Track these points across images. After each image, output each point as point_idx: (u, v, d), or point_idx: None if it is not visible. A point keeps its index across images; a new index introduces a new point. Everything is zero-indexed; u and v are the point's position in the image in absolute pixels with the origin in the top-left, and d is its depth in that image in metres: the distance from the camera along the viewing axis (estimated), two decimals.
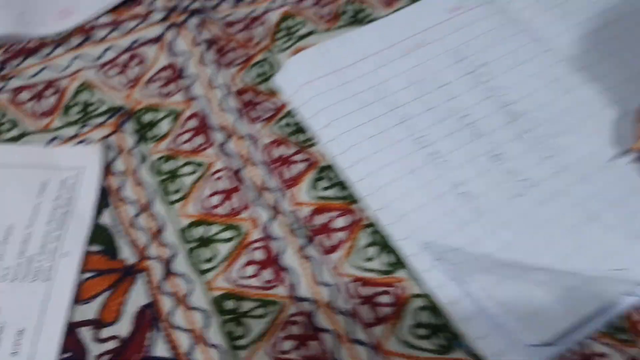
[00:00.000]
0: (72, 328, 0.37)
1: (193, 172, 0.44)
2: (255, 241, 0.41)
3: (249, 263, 0.40)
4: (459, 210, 0.43)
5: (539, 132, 0.47)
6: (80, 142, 0.45)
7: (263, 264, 0.40)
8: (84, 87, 0.48)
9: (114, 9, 0.52)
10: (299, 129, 0.47)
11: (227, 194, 0.43)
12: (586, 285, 0.39)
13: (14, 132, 0.45)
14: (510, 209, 0.43)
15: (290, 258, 0.40)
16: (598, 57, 0.51)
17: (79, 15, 0.51)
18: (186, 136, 0.46)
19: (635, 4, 0.55)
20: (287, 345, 0.37)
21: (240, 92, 0.48)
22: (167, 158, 0.44)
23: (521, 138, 0.47)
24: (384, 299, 0.39)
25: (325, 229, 0.42)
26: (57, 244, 0.40)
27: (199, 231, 0.41)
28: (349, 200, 0.43)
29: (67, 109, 0.47)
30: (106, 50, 0.50)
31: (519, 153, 0.46)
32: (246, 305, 0.38)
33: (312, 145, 0.46)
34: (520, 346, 0.36)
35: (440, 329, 0.38)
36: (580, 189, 0.44)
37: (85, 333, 0.37)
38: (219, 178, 0.44)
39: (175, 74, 0.49)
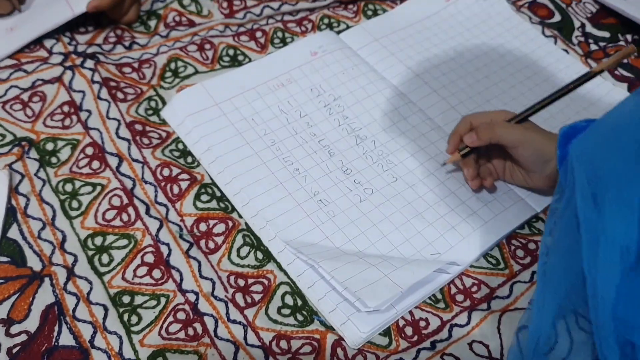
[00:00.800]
0: None
1: (91, 192, 0.50)
2: (147, 247, 0.48)
3: (142, 264, 0.47)
4: (316, 213, 0.52)
5: (379, 151, 0.58)
6: None
7: (154, 265, 0.47)
8: None
9: (16, 52, 0.58)
10: (184, 154, 0.55)
11: (121, 209, 0.50)
12: (410, 265, 0.49)
13: None
14: (355, 211, 0.53)
15: (177, 259, 0.48)
16: (424, 93, 0.64)
17: None
18: (84, 162, 0.52)
19: (455, 53, 0.69)
20: (175, 327, 0.44)
21: (132, 124, 0.55)
22: (67, 181, 0.51)
23: (365, 156, 0.58)
24: (257, 287, 0.48)
25: (207, 234, 0.50)
26: None
27: (97, 241, 0.48)
28: (226, 211, 0.52)
29: None
30: (9, 88, 0.55)
31: (363, 168, 0.57)
32: (140, 299, 0.45)
33: (196, 167, 0.54)
34: (360, 314, 0.46)
35: (301, 308, 0.47)
36: (409, 194, 0.55)
37: None
38: (114, 196, 0.50)
39: (74, 109, 0.55)
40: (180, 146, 0.55)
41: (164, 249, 0.48)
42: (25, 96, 0.55)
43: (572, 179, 0.35)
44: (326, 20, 0.71)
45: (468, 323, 0.48)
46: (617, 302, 0.29)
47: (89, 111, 0.55)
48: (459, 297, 0.50)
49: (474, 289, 0.50)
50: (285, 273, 0.49)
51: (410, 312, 0.48)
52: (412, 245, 0.52)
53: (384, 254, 0.51)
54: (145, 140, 0.54)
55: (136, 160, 0.53)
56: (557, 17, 0.78)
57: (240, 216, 0.52)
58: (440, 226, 0.53)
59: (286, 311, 0.47)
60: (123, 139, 0.54)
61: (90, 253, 0.47)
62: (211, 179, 0.53)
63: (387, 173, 0.57)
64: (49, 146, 0.53)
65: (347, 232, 0.52)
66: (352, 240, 0.51)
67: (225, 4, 0.69)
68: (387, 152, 0.58)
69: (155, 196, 0.51)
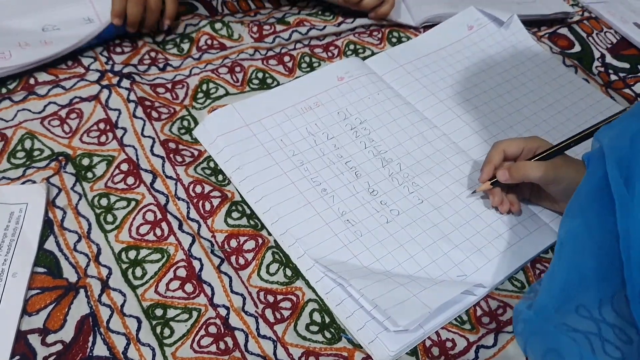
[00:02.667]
0: (22, 336, 0.43)
1: (125, 207, 0.51)
2: (179, 261, 0.49)
3: (174, 278, 0.48)
4: (343, 233, 0.53)
5: (404, 173, 0.59)
6: (26, 182, 0.51)
7: (186, 279, 0.48)
8: (28, 135, 0.55)
9: (54, 67, 0.60)
10: (215, 172, 0.56)
11: (155, 224, 0.51)
12: (437, 286, 0.50)
13: None
14: (382, 231, 0.54)
15: (208, 274, 0.49)
16: (448, 118, 0.65)
17: (13, 60, 0.58)
18: (119, 177, 0.53)
19: (477, 79, 0.71)
20: (206, 341, 0.45)
21: (165, 142, 0.57)
22: (103, 195, 0.52)
23: (391, 178, 0.58)
24: (285, 304, 0.48)
25: (237, 250, 0.51)
26: (6, 266, 0.46)
27: (131, 254, 0.49)
28: (256, 228, 0.52)
29: (13, 153, 0.53)
30: (48, 104, 0.57)
31: (389, 189, 0.57)
32: (172, 312, 0.46)
33: (226, 184, 0.55)
34: (388, 333, 0.47)
35: (329, 325, 0.48)
36: (434, 216, 0.56)
37: (34, 339, 0.43)
38: (148, 211, 0.51)
39: (110, 126, 0.57)
40: (212, 164, 0.57)
41: (196, 264, 0.49)
42: (63, 112, 0.57)
43: (602, 163, 0.37)
44: (352, 46, 0.73)
45: (494, 345, 0.48)
46: None
47: (124, 129, 0.57)
48: (485, 319, 0.50)
49: (500, 311, 0.51)
50: (314, 290, 0.49)
51: (437, 333, 0.48)
52: (439, 266, 0.52)
53: (411, 274, 0.51)
54: (179, 158, 0.56)
55: (170, 177, 0.54)
56: (577, 48, 0.80)
57: (269, 233, 0.52)
58: (466, 248, 0.54)
59: (314, 328, 0.47)
60: (157, 156, 0.55)
61: (124, 266, 0.48)
62: (241, 197, 0.54)
63: (413, 195, 0.57)
64: (85, 161, 0.54)
65: (374, 252, 0.52)
66: (380, 260, 0.52)
67: (255, 29, 0.71)
68: (413, 174, 0.59)
69: (188, 212, 0.52)
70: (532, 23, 0.81)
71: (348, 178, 0.58)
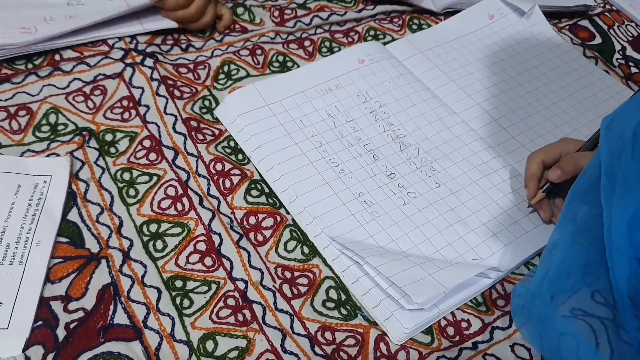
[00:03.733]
0: (45, 302, 0.44)
1: (147, 182, 0.52)
2: (199, 235, 0.50)
3: (194, 252, 0.49)
4: (360, 213, 0.54)
5: (422, 158, 0.59)
6: (50, 154, 0.52)
7: (205, 253, 0.49)
8: (53, 110, 0.56)
9: (79, 45, 0.61)
10: (235, 151, 0.57)
11: (176, 199, 0.52)
12: (453, 267, 0.50)
13: None
14: (399, 213, 0.54)
15: (227, 249, 0.49)
16: (467, 105, 0.65)
17: (38, 34, 0.58)
18: (142, 153, 0.54)
19: (497, 68, 0.71)
20: (225, 312, 0.46)
21: (187, 120, 0.57)
22: (125, 170, 0.53)
23: (409, 162, 0.59)
24: (302, 280, 0.49)
25: (256, 227, 0.51)
26: (31, 235, 0.47)
27: (152, 227, 0.50)
28: (274, 206, 0.53)
29: (38, 127, 0.54)
30: (72, 80, 0.58)
31: (407, 173, 0.58)
32: (191, 284, 0.47)
33: (246, 163, 0.56)
34: (403, 311, 0.47)
35: (345, 302, 0.48)
36: (451, 200, 0.56)
37: (56, 306, 0.44)
38: (169, 186, 0.52)
39: (133, 103, 0.58)
40: (232, 143, 0.57)
41: (215, 239, 0.50)
42: (87, 89, 0.58)
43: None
44: (372, 32, 0.73)
45: (509, 326, 0.48)
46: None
47: (147, 106, 0.58)
48: (500, 302, 0.50)
49: None
50: (330, 268, 0.50)
51: (452, 313, 0.49)
52: (454, 249, 0.53)
53: (427, 255, 0.51)
54: (200, 136, 0.56)
55: (191, 154, 0.55)
56: (597, 40, 0.79)
57: (287, 212, 0.53)
58: (482, 233, 0.54)
59: (331, 304, 0.48)
60: (179, 133, 0.56)
61: (145, 239, 0.49)
62: (260, 175, 0.55)
63: (431, 179, 0.58)
64: (108, 137, 0.55)
65: (390, 233, 0.53)
66: (396, 240, 0.52)
67: (276, 13, 0.71)
68: (431, 159, 0.59)
69: (208, 189, 0.53)
70: (552, 14, 0.80)
71: (366, 160, 0.58)
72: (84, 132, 0.55)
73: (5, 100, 0.55)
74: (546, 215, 0.55)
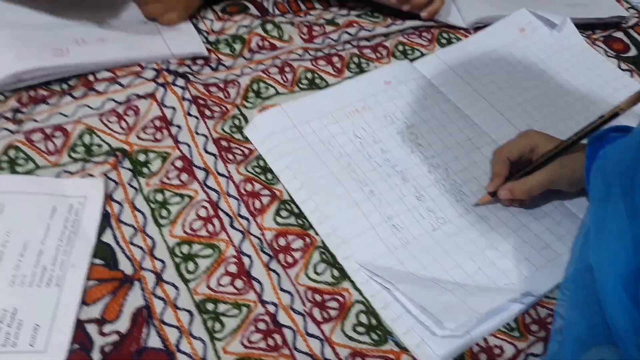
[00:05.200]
0: (80, 325, 0.45)
1: (179, 202, 0.53)
2: (230, 257, 0.50)
3: (225, 274, 0.49)
4: (390, 238, 0.54)
5: (451, 180, 0.59)
6: (85, 175, 0.54)
7: (236, 275, 0.49)
8: (87, 131, 0.57)
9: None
10: (265, 170, 0.57)
11: (207, 220, 0.52)
12: (485, 293, 0.50)
13: (29, 166, 0.53)
14: (428, 239, 0.54)
15: (258, 271, 0.50)
16: (498, 124, 0.65)
17: (71, 59, 0.60)
18: (174, 174, 0.55)
19: (529, 83, 0.70)
20: (256, 337, 0.46)
21: (218, 140, 0.58)
22: (158, 191, 0.54)
23: (438, 184, 0.59)
24: (332, 304, 0.49)
25: (286, 249, 0.52)
26: (66, 256, 0.48)
27: (184, 249, 0.50)
28: (304, 227, 0.53)
29: (73, 148, 0.55)
30: (106, 101, 0.59)
31: (436, 195, 0.58)
32: (223, 307, 0.47)
33: (275, 183, 0.56)
34: (435, 337, 0.47)
35: (375, 327, 0.48)
36: (482, 226, 0.56)
37: (91, 329, 0.45)
38: (201, 207, 0.53)
39: (165, 123, 0.59)
40: (262, 163, 0.58)
41: (245, 260, 0.50)
42: (120, 109, 0.59)
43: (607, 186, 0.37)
44: (401, 48, 0.73)
45: (544, 353, 0.48)
46: None
47: (179, 126, 0.59)
48: (534, 327, 0.50)
49: (549, 319, 0.50)
50: (360, 292, 0.50)
51: (485, 339, 0.48)
52: (486, 274, 0.52)
53: (458, 281, 0.51)
54: (230, 156, 0.57)
55: (222, 175, 0.56)
56: (633, 52, 0.78)
57: (317, 233, 0.53)
58: (514, 257, 0.54)
59: (361, 329, 0.48)
60: (210, 153, 0.57)
61: (177, 260, 0.50)
62: (290, 195, 0.56)
63: (460, 204, 0.57)
64: (141, 157, 0.56)
65: (420, 259, 0.52)
66: (426, 267, 0.52)
67: (305, 30, 0.72)
68: (460, 182, 0.59)
69: (238, 209, 0.54)
70: (585, 26, 0.79)
71: (395, 181, 0.58)
72: (117, 153, 0.56)
73: (42, 121, 0.57)
74: (506, 202, 0.57)
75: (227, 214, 0.53)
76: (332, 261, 0.52)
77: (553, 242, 0.55)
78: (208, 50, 0.67)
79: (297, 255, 0.52)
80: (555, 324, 0.46)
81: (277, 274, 0.50)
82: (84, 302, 0.46)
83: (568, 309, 0.44)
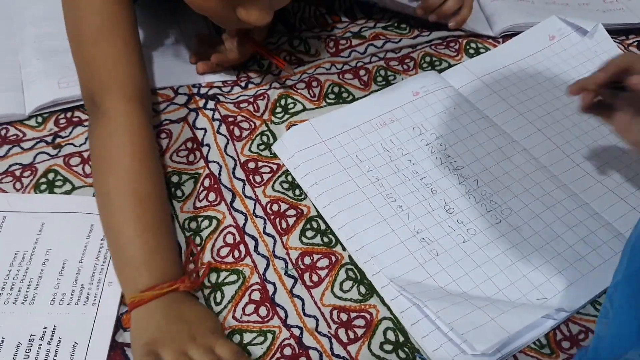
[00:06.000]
0: (119, 346, 0.45)
1: (208, 227, 0.52)
2: (254, 284, 0.49)
3: (250, 302, 0.48)
4: (419, 251, 0.51)
5: (482, 190, 0.56)
6: None
7: (260, 302, 0.48)
8: None
9: None
10: (293, 186, 0.56)
11: (234, 246, 0.51)
12: (516, 310, 0.47)
13: (67, 187, 0.54)
14: (459, 251, 0.52)
15: (281, 298, 0.48)
16: (528, 132, 0.62)
17: None
18: (203, 194, 0.54)
19: (560, 91, 0.66)
20: None
21: (246, 163, 0.57)
22: (191, 219, 0.53)
23: (468, 195, 0.56)
24: (359, 322, 0.47)
25: (311, 267, 0.50)
26: (103, 275, 0.48)
27: (212, 277, 0.49)
28: (330, 246, 0.52)
29: None
30: None
31: (466, 207, 0.55)
32: (249, 337, 0.46)
33: (303, 199, 0.55)
34: (465, 355, 0.45)
35: (403, 344, 0.46)
36: (513, 237, 0.53)
37: (128, 352, 0.45)
38: (228, 233, 0.52)
39: (197, 144, 0.58)
40: (289, 178, 0.57)
41: (269, 287, 0.49)
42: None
43: None
44: (428, 59, 0.70)
45: None
46: None
47: (208, 145, 0.58)
48: (565, 344, 0.47)
49: (581, 336, 0.47)
50: (388, 308, 0.48)
51: (514, 356, 0.46)
52: (518, 288, 0.49)
53: (489, 296, 0.49)
54: (258, 178, 0.56)
55: (249, 197, 0.55)
56: None
57: (343, 249, 0.52)
58: (547, 270, 0.51)
59: (388, 347, 0.46)
60: (238, 179, 0.56)
61: (207, 291, 0.48)
62: (317, 212, 0.54)
63: (491, 214, 0.55)
64: (174, 179, 0.55)
65: (450, 272, 0.50)
66: (456, 280, 0.50)
67: (331, 44, 0.70)
68: (491, 191, 0.56)
69: (264, 228, 0.52)
70: (618, 32, 0.75)
71: (424, 195, 0.56)
72: None
73: (80, 145, 0.57)
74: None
75: (252, 237, 0.52)
76: (359, 278, 0.50)
77: (588, 254, 0.52)
78: (237, 69, 0.66)
79: (322, 273, 0.50)
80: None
81: (302, 299, 0.48)
82: (122, 327, 0.46)
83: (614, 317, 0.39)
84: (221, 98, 0.62)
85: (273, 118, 0.62)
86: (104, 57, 0.51)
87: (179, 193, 0.54)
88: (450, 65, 0.69)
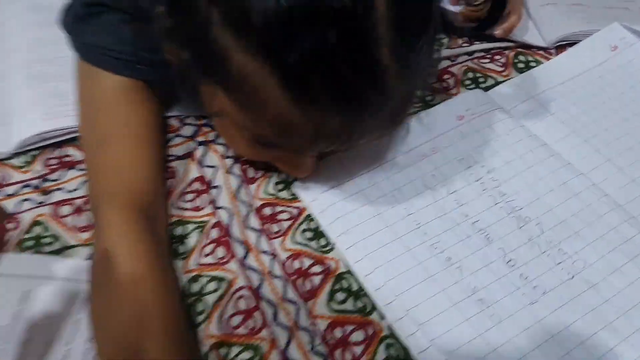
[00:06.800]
0: None
1: (216, 290, 0.41)
2: None
3: None
4: (478, 317, 0.40)
5: (547, 237, 0.44)
6: None
7: None
8: None
9: None
10: (317, 234, 0.45)
11: (247, 314, 0.40)
12: None
13: (56, 246, 0.44)
14: (526, 316, 0.40)
15: None
16: (596, 163, 0.50)
17: None
18: (209, 248, 0.44)
19: (629, 112, 0.54)
20: None
21: (261, 208, 0.46)
22: (194, 279, 0.42)
23: (531, 243, 0.44)
24: None
25: (343, 342, 0.39)
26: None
27: (222, 352, 0.39)
28: (365, 313, 0.41)
29: None
30: None
31: (530, 259, 0.43)
32: None
33: (329, 251, 0.44)
34: None
35: None
36: (591, 297, 0.41)
37: None
38: (240, 297, 0.41)
39: (205, 186, 0.48)
40: (313, 225, 0.46)
41: None
42: None
43: None
44: (470, 75, 0.59)
45: None
46: None
47: (218, 187, 0.48)
48: None
49: None
50: None
51: None
52: None
53: None
54: (275, 228, 0.45)
55: (264, 252, 0.44)
56: None
57: (382, 317, 0.40)
58: (636, 342, 0.39)
59: None
60: (252, 229, 0.45)
61: None
62: (348, 267, 0.43)
63: (561, 267, 0.43)
64: (179, 230, 0.45)
65: (518, 344, 0.38)
66: (526, 356, 0.38)
67: None
68: (558, 238, 0.44)
69: (285, 291, 0.42)
70: None
71: (477, 243, 0.44)
72: None
73: (72, 191, 0.47)
74: None
75: (270, 303, 0.41)
76: (403, 356, 0.39)
77: None
78: None
79: (357, 350, 0.39)
80: None
81: None
82: None
83: None
84: None
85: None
86: (106, 163, 0.42)
87: (181, 249, 0.44)
88: (497, 82, 0.58)
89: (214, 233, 0.45)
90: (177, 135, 0.51)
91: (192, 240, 0.44)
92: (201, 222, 0.45)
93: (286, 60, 0.30)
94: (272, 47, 0.30)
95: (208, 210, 0.46)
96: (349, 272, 0.43)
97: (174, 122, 0.52)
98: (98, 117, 0.44)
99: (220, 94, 0.36)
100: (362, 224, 0.45)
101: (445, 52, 0.60)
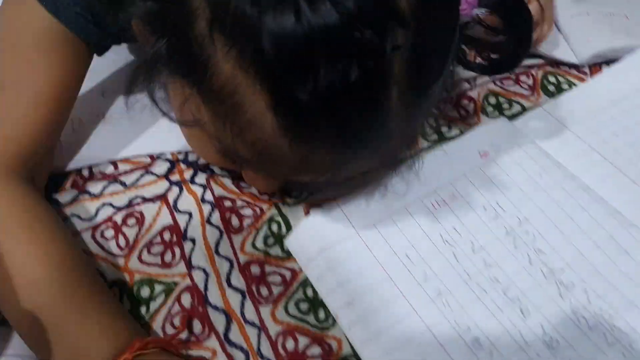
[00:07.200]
0: None
1: None
2: None
3: None
4: None
5: (595, 308, 0.35)
6: None
7: None
8: None
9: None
10: (315, 305, 0.36)
11: None
12: None
13: None
14: None
15: None
16: None
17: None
18: (179, 319, 0.35)
19: None
20: None
21: (247, 266, 0.37)
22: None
23: (577, 318, 0.35)
24: None
25: None
26: None
27: None
28: None
29: None
30: (101, 206, 0.40)
31: (575, 336, 0.34)
32: None
33: (330, 326, 0.35)
34: None
35: None
36: None
37: None
38: None
39: (177, 237, 0.39)
40: (310, 292, 0.37)
41: None
42: (118, 217, 0.40)
43: None
44: (492, 100, 0.50)
45: None
46: None
47: (193, 241, 0.38)
48: None
49: None
50: None
51: None
52: None
53: None
54: (264, 291, 0.36)
55: (251, 324, 0.35)
56: None
57: None
58: None
59: None
60: (235, 289, 0.36)
61: None
62: (353, 350, 0.34)
63: (615, 349, 0.34)
64: (144, 292, 0.36)
65: None
66: None
67: None
68: (609, 310, 0.35)
69: None
70: None
71: (511, 318, 0.35)
72: (113, 288, 0.36)
73: None
74: None
75: None
76: None
77: None
78: None
79: None
80: None
81: None
82: None
83: None
84: (216, 170, 0.42)
85: (287, 198, 0.42)
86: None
87: (143, 310, 0.35)
88: (524, 108, 0.48)
89: (186, 300, 0.36)
90: (147, 173, 0.42)
91: (157, 301, 0.35)
92: (171, 282, 0.36)
93: (292, 93, 0.24)
94: (277, 74, 0.24)
95: (180, 269, 0.37)
96: (354, 355, 0.34)
97: (145, 159, 0.43)
98: (5, 56, 0.35)
99: (194, 97, 0.28)
100: (370, 293, 0.36)
101: (462, 73, 0.51)
